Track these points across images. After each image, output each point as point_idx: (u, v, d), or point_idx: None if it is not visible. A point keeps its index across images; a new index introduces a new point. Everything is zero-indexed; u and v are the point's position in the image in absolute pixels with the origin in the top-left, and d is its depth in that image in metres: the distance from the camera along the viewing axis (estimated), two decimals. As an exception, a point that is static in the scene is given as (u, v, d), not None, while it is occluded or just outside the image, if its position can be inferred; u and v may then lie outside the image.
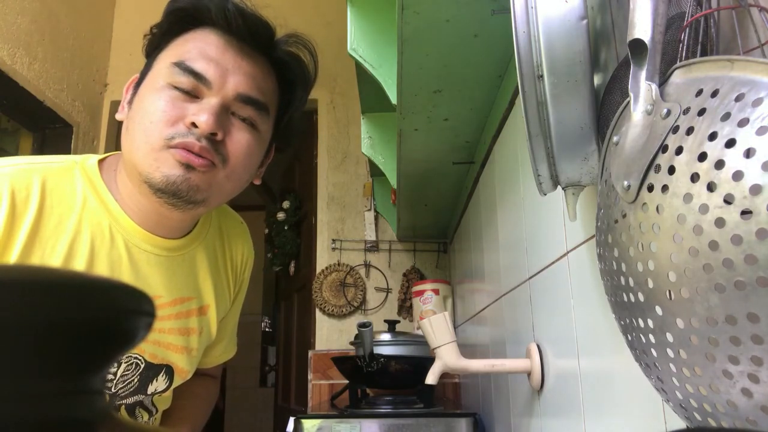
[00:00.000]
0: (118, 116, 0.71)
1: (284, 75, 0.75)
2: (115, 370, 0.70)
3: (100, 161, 0.72)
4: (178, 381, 0.79)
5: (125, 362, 0.71)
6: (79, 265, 0.65)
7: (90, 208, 0.67)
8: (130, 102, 0.69)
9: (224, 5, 0.67)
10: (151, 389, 0.76)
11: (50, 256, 0.64)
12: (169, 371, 0.77)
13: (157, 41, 0.70)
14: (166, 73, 0.66)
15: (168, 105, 0.65)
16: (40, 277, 0.17)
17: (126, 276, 0.68)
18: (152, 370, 0.75)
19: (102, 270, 0.67)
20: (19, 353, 0.16)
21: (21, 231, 0.62)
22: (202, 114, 0.64)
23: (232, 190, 0.72)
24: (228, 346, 0.97)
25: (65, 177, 0.67)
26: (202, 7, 0.68)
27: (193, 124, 0.64)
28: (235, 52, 0.69)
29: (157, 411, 0.82)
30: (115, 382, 0.71)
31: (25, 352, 0.16)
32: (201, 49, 0.67)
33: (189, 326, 0.78)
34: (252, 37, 0.70)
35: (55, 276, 0.17)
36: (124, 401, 0.74)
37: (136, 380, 0.73)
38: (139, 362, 0.73)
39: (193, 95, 0.66)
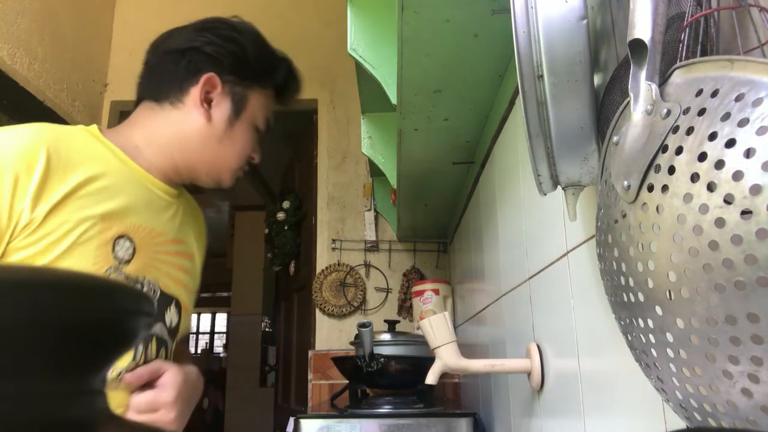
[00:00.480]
0: (203, 114, 0.86)
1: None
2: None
3: (99, 128, 0.85)
4: (184, 319, 0.91)
5: (146, 286, 0.81)
6: (107, 192, 0.76)
7: (102, 155, 0.79)
8: (232, 122, 0.89)
9: (295, 94, 0.99)
10: (167, 319, 0.86)
11: (83, 183, 0.74)
12: (178, 305, 0.88)
13: (252, 74, 0.90)
14: (259, 121, 0.92)
15: (251, 143, 0.93)
16: (41, 277, 0.17)
17: (143, 206, 0.82)
18: (166, 300, 0.86)
19: (126, 195, 0.79)
20: (19, 353, 0.16)
21: (56, 183, 0.72)
22: (258, 155, 0.95)
23: None
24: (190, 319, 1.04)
25: (77, 136, 0.78)
26: (288, 89, 0.97)
27: (252, 158, 0.94)
28: None
29: (172, 342, 0.89)
30: None
31: (25, 352, 0.16)
32: (270, 111, 0.95)
33: (185, 266, 0.91)
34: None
35: (55, 277, 0.17)
36: (152, 330, 0.83)
37: (155, 304, 0.83)
38: (155, 288, 0.83)
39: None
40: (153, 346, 0.82)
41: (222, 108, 0.87)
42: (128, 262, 0.77)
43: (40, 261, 0.68)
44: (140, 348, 0.79)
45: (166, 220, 0.87)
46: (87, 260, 0.72)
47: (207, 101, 0.86)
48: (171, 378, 0.78)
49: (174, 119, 0.86)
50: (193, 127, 0.86)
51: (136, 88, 0.90)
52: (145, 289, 0.81)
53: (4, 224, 0.67)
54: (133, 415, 0.74)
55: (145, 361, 0.79)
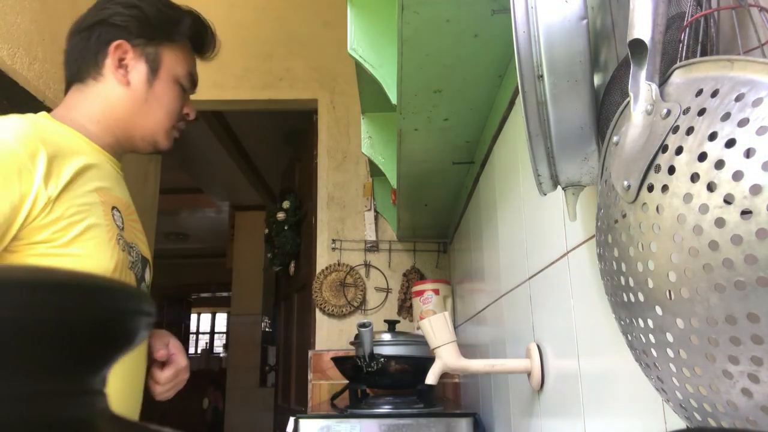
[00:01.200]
0: (120, 80, 0.91)
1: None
2: (132, 255, 0.88)
3: (49, 114, 0.91)
4: (149, 278, 0.98)
5: (134, 250, 0.90)
6: (94, 171, 0.83)
7: (76, 138, 0.86)
8: (151, 82, 0.93)
9: (212, 44, 1.02)
10: (147, 277, 0.95)
11: (73, 173, 0.79)
12: (149, 266, 0.97)
13: (160, 30, 0.93)
14: (181, 76, 0.97)
15: (180, 100, 0.97)
16: (41, 277, 0.17)
17: (114, 181, 0.89)
18: (144, 262, 0.94)
19: (105, 173, 0.87)
20: (19, 353, 0.16)
21: (58, 167, 0.78)
22: (192, 111, 1.01)
23: None
24: None
25: (50, 123, 0.85)
26: (202, 40, 1.00)
27: (186, 115, 1.00)
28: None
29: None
30: (134, 264, 0.89)
31: (25, 352, 0.16)
32: (193, 64, 1.00)
33: (141, 228, 0.98)
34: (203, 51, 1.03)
35: (55, 276, 0.17)
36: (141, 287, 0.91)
37: (140, 266, 0.92)
38: (138, 252, 0.91)
39: (186, 91, 0.99)
40: None
41: (138, 70, 0.92)
42: (122, 229, 0.87)
43: (70, 233, 0.76)
44: None
45: (125, 191, 0.95)
46: (101, 225, 0.81)
47: (122, 67, 0.91)
48: (176, 344, 0.94)
49: (99, 92, 0.91)
50: (117, 95, 0.91)
51: (64, 76, 0.95)
52: (134, 252, 0.90)
53: (17, 203, 0.72)
54: (165, 387, 0.91)
55: None
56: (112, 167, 0.91)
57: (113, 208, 0.85)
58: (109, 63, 0.90)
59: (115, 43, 0.90)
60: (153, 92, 0.93)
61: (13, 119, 0.78)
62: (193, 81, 0.99)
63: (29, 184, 0.73)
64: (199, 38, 1.00)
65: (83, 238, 0.77)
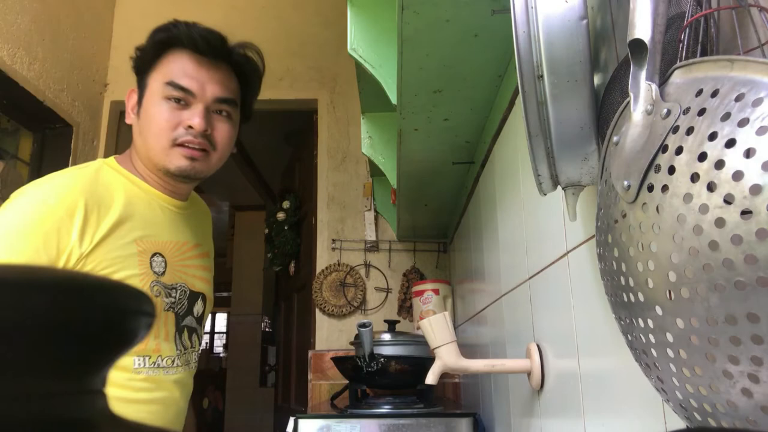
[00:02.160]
0: (128, 121, 0.97)
1: (241, 72, 1.00)
2: (173, 295, 0.94)
3: (115, 158, 0.97)
4: (208, 308, 1.04)
5: (179, 290, 0.95)
6: (137, 221, 0.89)
7: (125, 187, 0.92)
8: (137, 112, 0.95)
9: (190, 33, 0.93)
10: (195, 311, 0.99)
11: (114, 224, 0.86)
12: (204, 298, 1.02)
13: (146, 63, 0.95)
14: (162, 90, 0.92)
15: (169, 114, 0.91)
16: (41, 277, 0.17)
17: (166, 224, 0.95)
18: (194, 297, 0.99)
19: (151, 220, 0.93)
20: (19, 353, 0.16)
21: (95, 222, 0.84)
22: (194, 118, 0.91)
23: (220, 164, 0.99)
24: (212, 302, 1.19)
25: (100, 173, 0.91)
26: (176, 36, 0.93)
27: (190, 126, 0.91)
28: (206, 67, 0.94)
29: (200, 343, 1.04)
30: (175, 303, 0.94)
31: (25, 352, 0.16)
32: (183, 69, 0.93)
33: (205, 264, 1.04)
34: (213, 51, 0.95)
35: (56, 276, 0.17)
36: (184, 323, 0.97)
37: (185, 303, 0.97)
38: (185, 290, 0.97)
39: (183, 104, 0.92)
40: (186, 335, 0.97)
41: (134, 106, 0.97)
42: (163, 273, 0.92)
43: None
44: (178, 336, 0.95)
45: (184, 230, 0.99)
46: (134, 276, 0.87)
47: (134, 110, 0.97)
48: None
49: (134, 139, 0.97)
50: (133, 135, 0.97)
51: None
52: (178, 292, 0.96)
53: (53, 258, 0.79)
54: None
55: (183, 348, 0.96)
56: (164, 209, 0.96)
57: (154, 254, 0.91)
58: (127, 109, 0.98)
59: (129, 90, 0.98)
60: (142, 120, 0.94)
61: (60, 177, 0.86)
62: (179, 87, 0.92)
63: (67, 239, 0.79)
64: (181, 41, 0.94)
65: None
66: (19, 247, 0.78)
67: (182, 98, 0.92)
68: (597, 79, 0.60)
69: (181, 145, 0.91)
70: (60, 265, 0.79)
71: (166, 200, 0.96)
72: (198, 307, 1.01)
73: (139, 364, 0.87)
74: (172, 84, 0.91)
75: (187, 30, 0.93)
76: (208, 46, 0.94)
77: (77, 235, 0.80)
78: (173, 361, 0.93)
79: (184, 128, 0.91)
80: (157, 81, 0.93)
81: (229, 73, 0.97)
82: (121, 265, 0.85)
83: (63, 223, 0.80)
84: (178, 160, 0.91)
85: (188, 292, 0.98)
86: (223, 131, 0.96)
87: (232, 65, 0.98)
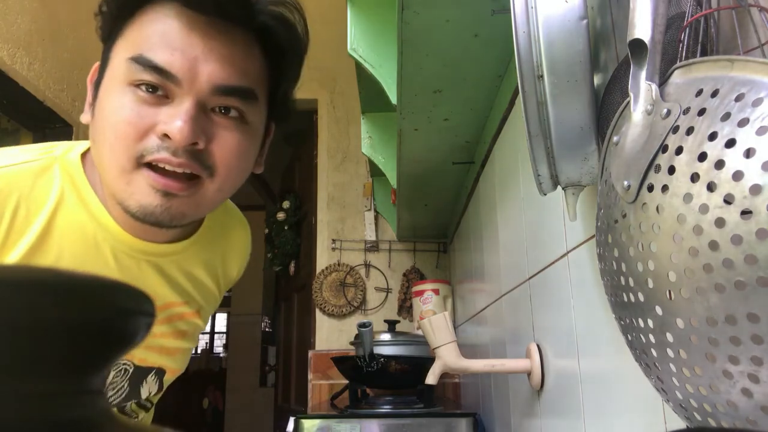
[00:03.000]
0: (83, 118, 0.60)
1: (270, 43, 0.61)
2: (113, 377, 0.67)
3: (84, 155, 0.62)
4: (169, 379, 0.75)
5: (114, 370, 0.65)
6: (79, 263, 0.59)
7: (67, 210, 0.58)
8: (92, 103, 0.59)
9: None
10: (144, 393, 0.72)
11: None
12: (160, 372, 0.73)
13: (109, 25, 0.58)
14: (124, 71, 0.54)
15: (132, 113, 0.54)
16: (41, 276, 0.17)
17: (120, 277, 0.62)
18: (141, 374, 0.70)
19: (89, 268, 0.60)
20: (19, 353, 0.16)
21: None
22: (175, 120, 0.53)
23: (226, 197, 0.63)
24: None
25: (42, 179, 0.58)
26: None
27: (166, 135, 0.53)
28: (203, 32, 0.55)
29: (152, 405, 0.78)
30: (112, 383, 0.67)
31: (25, 352, 0.16)
32: (161, 34, 0.54)
33: (180, 329, 0.73)
34: (221, 7, 0.55)
35: (55, 276, 0.17)
36: (125, 411, 0.72)
37: (126, 385, 0.69)
38: (128, 368, 0.68)
39: (161, 95, 0.55)
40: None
41: (91, 93, 0.61)
42: None
43: None
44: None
45: (150, 287, 0.66)
46: None
47: (91, 101, 0.61)
48: None
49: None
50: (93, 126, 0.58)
51: None
52: (112, 374, 0.66)
53: None
54: None
55: None
56: (128, 256, 0.63)
57: None
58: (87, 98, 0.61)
59: (92, 68, 0.62)
60: (95, 118, 0.57)
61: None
62: (152, 65, 0.53)
63: None
64: None
65: None
66: None
67: (158, 85, 0.54)
68: (597, 79, 0.60)
69: (150, 166, 0.54)
70: None
71: (134, 245, 0.62)
72: (149, 386, 0.72)
73: None
74: (139, 60, 0.54)
75: None
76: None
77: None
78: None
79: (158, 138, 0.54)
80: (120, 55, 0.56)
81: (248, 45, 0.59)
82: None
83: None
84: (142, 194, 0.54)
85: (131, 370, 0.68)
86: (228, 144, 0.57)
87: (255, 32, 0.60)
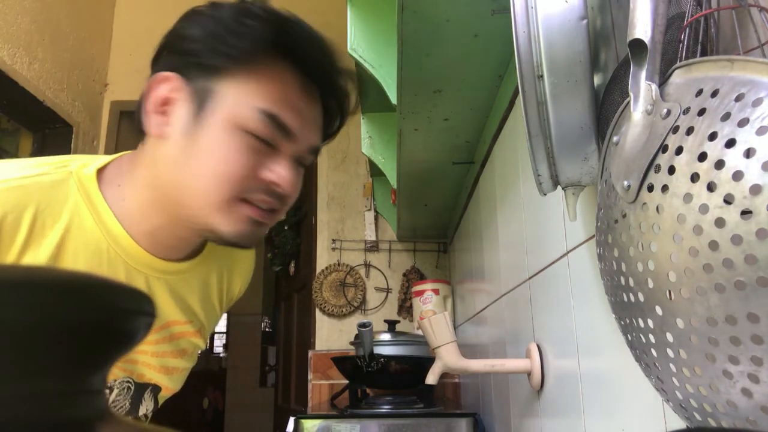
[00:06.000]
0: (155, 132, 0.61)
1: (332, 112, 0.70)
2: (108, 396, 0.66)
3: (100, 170, 0.64)
4: (164, 396, 0.76)
5: (117, 387, 0.67)
6: None
7: (82, 225, 0.60)
8: (184, 128, 0.60)
9: (311, 42, 0.63)
10: (141, 411, 0.72)
11: None
12: (155, 389, 0.73)
13: (222, 57, 0.59)
14: (249, 118, 0.59)
15: (245, 160, 0.59)
16: (41, 277, 0.17)
17: None
18: (140, 391, 0.71)
19: None
20: (19, 353, 0.16)
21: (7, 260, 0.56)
22: (283, 173, 0.61)
23: None
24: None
25: (58, 192, 0.60)
26: (292, 41, 0.61)
27: (274, 183, 0.61)
28: (310, 98, 0.64)
29: (146, 420, 0.79)
30: (115, 401, 0.69)
31: (25, 352, 0.16)
32: (287, 97, 0.61)
33: (181, 347, 0.74)
34: (322, 78, 0.65)
35: (56, 276, 0.17)
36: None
37: (128, 404, 0.70)
38: (129, 386, 0.69)
39: (271, 146, 0.61)
40: None
41: (179, 115, 0.60)
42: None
43: None
44: None
45: (167, 304, 0.69)
46: None
47: (162, 113, 0.61)
48: None
49: (145, 156, 0.63)
50: (159, 155, 0.61)
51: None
52: (115, 391, 0.67)
53: None
54: None
55: None
56: (140, 276, 0.65)
57: None
58: (149, 106, 0.61)
59: (161, 76, 0.60)
60: (194, 148, 0.59)
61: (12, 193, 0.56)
62: (281, 124, 0.60)
63: None
64: (293, 51, 0.62)
65: None
66: None
67: (275, 141, 0.61)
68: (597, 79, 0.60)
69: (248, 201, 0.61)
70: None
71: (147, 261, 0.64)
72: (146, 404, 0.73)
73: None
74: (272, 118, 0.59)
75: (306, 35, 0.63)
76: (320, 67, 0.64)
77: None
78: None
79: (262, 182, 0.61)
80: (244, 101, 0.59)
81: (321, 108, 0.67)
82: None
83: None
84: (238, 223, 0.60)
85: (132, 388, 0.69)
86: (297, 183, 0.65)
87: (324, 99, 0.67)
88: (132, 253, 0.63)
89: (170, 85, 0.60)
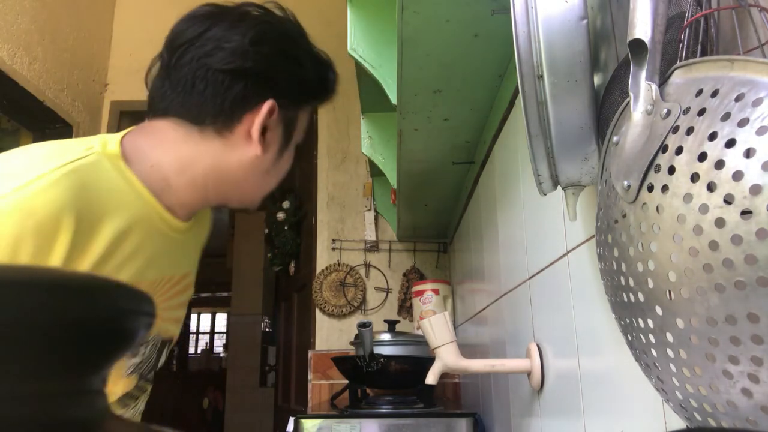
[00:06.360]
0: (257, 150, 0.72)
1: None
2: (142, 353, 0.74)
3: (123, 152, 0.70)
4: (163, 359, 0.84)
5: (150, 344, 0.75)
6: (127, 253, 0.66)
7: (128, 200, 0.67)
8: (277, 150, 0.75)
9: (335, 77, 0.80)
10: (160, 362, 0.81)
11: (117, 256, 0.65)
12: (169, 343, 0.82)
13: (306, 98, 0.77)
14: (300, 137, 0.79)
15: (289, 167, 0.80)
16: (41, 277, 0.17)
17: (158, 257, 0.71)
18: (162, 346, 0.79)
19: (144, 251, 0.68)
20: (19, 353, 0.16)
21: (79, 252, 0.61)
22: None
23: None
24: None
25: (102, 172, 0.65)
26: (331, 93, 0.80)
27: None
28: None
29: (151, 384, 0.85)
30: (141, 363, 0.75)
31: (25, 352, 0.16)
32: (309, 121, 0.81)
33: (186, 297, 0.83)
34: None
35: (56, 276, 0.17)
36: (140, 384, 0.78)
37: (154, 357, 0.78)
38: (157, 342, 0.77)
39: None
40: (136, 392, 0.78)
41: (274, 135, 0.74)
42: None
43: None
44: (122, 399, 0.75)
45: (178, 260, 0.78)
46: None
47: (263, 133, 0.72)
48: None
49: (217, 149, 0.72)
50: (241, 160, 0.73)
51: (158, 96, 0.72)
52: (149, 347, 0.76)
53: None
54: None
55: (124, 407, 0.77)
56: (164, 235, 0.72)
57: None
58: (249, 123, 0.71)
59: (268, 105, 0.71)
60: (279, 162, 0.76)
61: (43, 180, 0.58)
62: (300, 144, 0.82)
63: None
64: (328, 97, 0.80)
65: None
66: None
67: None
68: (597, 79, 0.60)
69: None
70: None
71: (170, 224, 0.72)
72: (163, 358, 0.82)
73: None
74: (302, 139, 0.80)
75: (333, 94, 0.81)
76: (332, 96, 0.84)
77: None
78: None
79: None
80: (303, 125, 0.78)
81: None
82: None
83: (39, 258, 0.56)
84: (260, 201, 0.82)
85: (159, 343, 0.78)
86: None
87: None
88: (165, 218, 0.72)
89: (271, 112, 0.72)
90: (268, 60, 0.71)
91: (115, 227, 0.64)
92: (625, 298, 0.41)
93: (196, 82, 0.69)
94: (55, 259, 0.57)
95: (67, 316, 0.17)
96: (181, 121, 0.71)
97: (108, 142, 0.68)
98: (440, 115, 1.29)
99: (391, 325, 1.86)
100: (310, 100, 0.78)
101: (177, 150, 0.71)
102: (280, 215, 2.92)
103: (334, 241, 2.55)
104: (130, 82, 2.72)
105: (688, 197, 0.33)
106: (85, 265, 0.61)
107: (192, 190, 0.72)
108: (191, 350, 8.53)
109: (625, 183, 0.39)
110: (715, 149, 0.32)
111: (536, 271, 0.95)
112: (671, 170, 0.35)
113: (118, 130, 0.78)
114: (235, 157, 0.72)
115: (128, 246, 0.66)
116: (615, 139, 0.43)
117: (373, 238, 2.54)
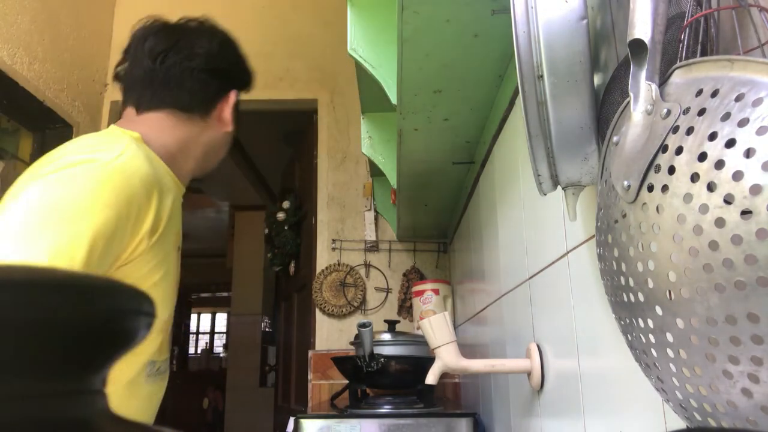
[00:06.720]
0: (228, 128, 0.95)
1: None
2: (169, 318, 0.86)
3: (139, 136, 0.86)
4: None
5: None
6: (173, 211, 0.81)
7: (162, 178, 0.82)
8: (234, 125, 0.96)
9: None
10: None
11: (171, 220, 0.80)
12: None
13: (246, 85, 0.99)
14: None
15: None
16: (42, 277, 0.17)
17: (179, 215, 0.87)
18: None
19: (176, 210, 0.84)
20: (19, 353, 0.16)
21: (161, 210, 0.77)
22: None
23: None
24: None
25: (142, 153, 0.79)
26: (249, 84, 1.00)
27: None
28: None
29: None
30: (175, 305, 0.88)
31: (25, 352, 0.16)
32: None
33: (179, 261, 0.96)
34: None
35: (56, 276, 0.17)
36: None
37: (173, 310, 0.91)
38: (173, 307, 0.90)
39: None
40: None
41: (232, 116, 0.96)
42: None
43: (149, 281, 0.76)
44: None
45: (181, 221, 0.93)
46: (170, 275, 0.82)
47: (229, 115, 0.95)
48: None
49: (202, 130, 0.92)
50: (217, 136, 0.94)
51: (148, 94, 0.88)
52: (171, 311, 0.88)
53: (121, 252, 0.71)
54: None
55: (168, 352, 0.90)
56: (178, 198, 0.88)
57: (178, 248, 0.86)
58: (221, 109, 0.93)
59: (234, 94, 0.95)
60: (227, 131, 0.96)
61: (128, 153, 0.75)
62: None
63: (143, 226, 0.73)
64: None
65: (156, 287, 0.77)
66: (110, 221, 0.67)
67: None
68: (597, 79, 0.60)
69: None
70: (127, 252, 0.71)
71: (182, 192, 0.91)
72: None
73: (150, 370, 0.81)
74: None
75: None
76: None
77: (150, 225, 0.73)
78: (166, 367, 0.88)
79: None
80: (231, 101, 0.95)
81: None
82: (166, 261, 0.79)
83: (143, 209, 0.73)
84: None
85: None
86: None
87: None
88: (179, 187, 0.89)
89: (234, 98, 0.95)
90: (230, 60, 0.95)
91: (169, 190, 0.81)
92: (625, 298, 0.41)
93: (185, 80, 0.89)
94: (151, 212, 0.74)
95: (67, 316, 0.17)
96: (174, 110, 0.89)
97: (126, 130, 0.84)
98: (440, 115, 1.29)
99: (391, 325, 1.86)
100: (246, 88, 1.00)
101: (175, 134, 0.89)
102: (280, 215, 2.92)
103: (334, 241, 2.55)
104: (130, 82, 2.71)
105: (688, 197, 0.33)
106: (161, 222, 0.76)
107: (192, 163, 0.92)
108: (191, 350, 8.53)
109: (625, 183, 0.39)
110: (715, 149, 0.32)
111: (536, 271, 0.95)
112: (671, 170, 0.35)
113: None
114: (213, 134, 0.93)
115: (175, 211, 0.83)
116: (615, 139, 0.43)
117: (373, 238, 2.54)
